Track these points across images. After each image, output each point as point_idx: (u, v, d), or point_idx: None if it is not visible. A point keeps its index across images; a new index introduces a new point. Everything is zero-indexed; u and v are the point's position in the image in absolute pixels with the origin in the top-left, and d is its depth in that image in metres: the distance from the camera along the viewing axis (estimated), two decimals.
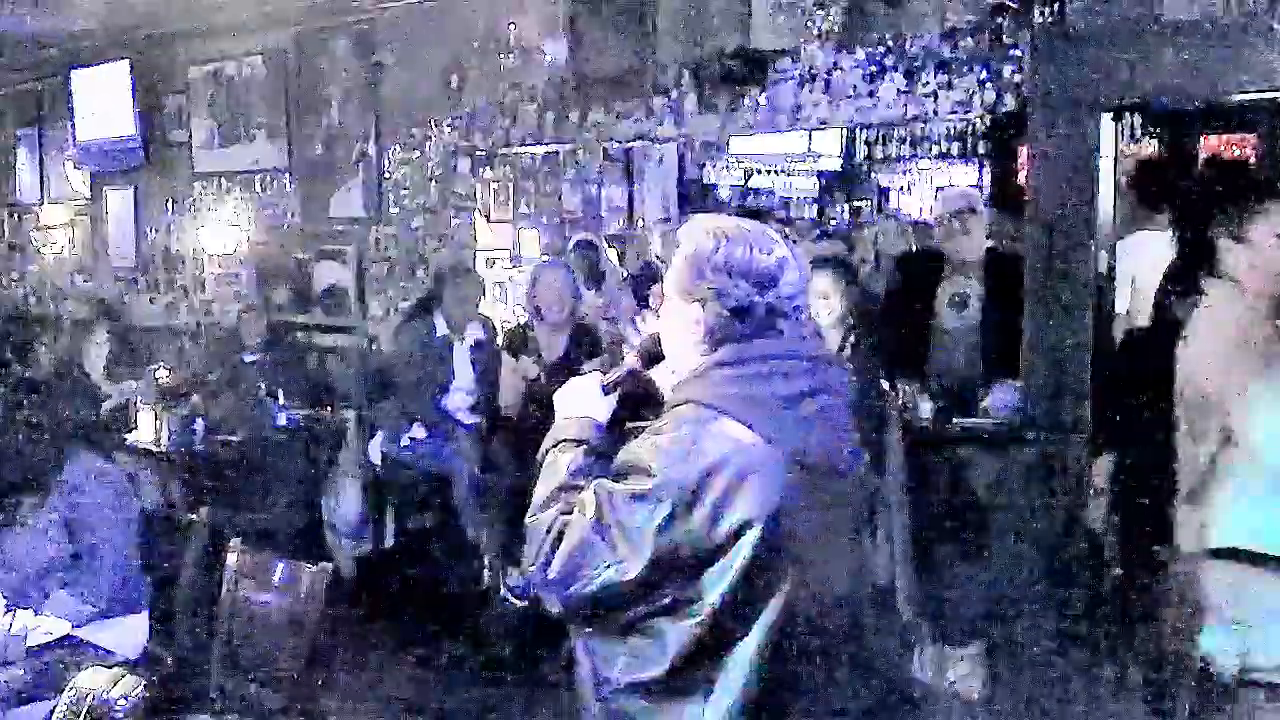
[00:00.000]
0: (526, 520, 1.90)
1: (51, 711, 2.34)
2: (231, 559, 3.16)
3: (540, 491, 1.92)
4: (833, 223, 8.70)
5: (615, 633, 1.85)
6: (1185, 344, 2.94)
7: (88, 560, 3.28)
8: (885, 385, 4.27)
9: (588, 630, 1.92)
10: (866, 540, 2.06)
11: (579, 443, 1.96)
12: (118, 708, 2.22)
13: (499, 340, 5.52)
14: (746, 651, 1.79)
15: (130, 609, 3.40)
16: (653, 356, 2.04)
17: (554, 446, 1.98)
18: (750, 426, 1.77)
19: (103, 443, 3.59)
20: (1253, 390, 2.72)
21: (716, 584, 1.76)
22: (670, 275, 1.95)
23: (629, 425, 1.98)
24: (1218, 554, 2.79)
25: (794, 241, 2.01)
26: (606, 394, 2.04)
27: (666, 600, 1.78)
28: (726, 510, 1.74)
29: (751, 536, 1.74)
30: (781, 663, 1.81)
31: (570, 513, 1.84)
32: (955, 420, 4.20)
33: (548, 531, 1.84)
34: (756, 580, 1.76)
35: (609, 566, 1.77)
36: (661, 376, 2.02)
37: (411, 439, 5.22)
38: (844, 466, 1.90)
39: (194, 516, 3.65)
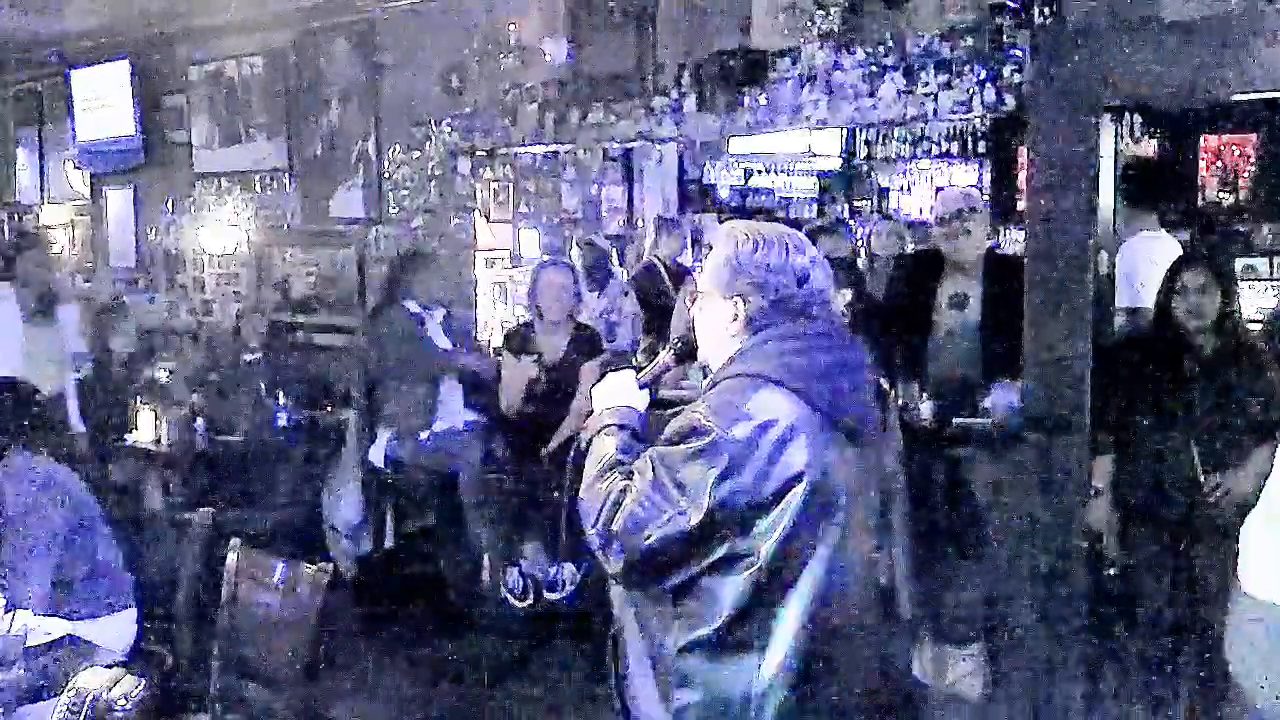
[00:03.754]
0: (581, 494, 2.02)
1: (52, 711, 2.34)
2: (231, 559, 3.16)
3: (590, 470, 2.04)
4: (841, 223, 8.70)
5: (668, 599, 1.95)
6: None
7: (11, 561, 3.21)
8: (885, 385, 4.28)
9: (641, 599, 2.01)
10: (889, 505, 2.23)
11: (622, 428, 2.10)
12: (118, 708, 2.22)
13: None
14: (797, 606, 1.92)
15: (113, 608, 3.37)
16: (686, 354, 2.19)
17: (598, 433, 2.12)
18: (795, 392, 1.92)
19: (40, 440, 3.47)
20: None
21: (767, 536, 1.89)
22: (708, 274, 2.09)
23: (669, 411, 2.09)
24: None
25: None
26: (643, 389, 2.18)
27: (721, 553, 1.89)
28: (778, 464, 1.88)
29: (800, 490, 1.89)
30: (827, 618, 1.94)
31: (629, 479, 1.95)
32: (955, 420, 4.20)
33: (606, 496, 1.95)
34: (804, 533, 1.91)
35: (669, 519, 1.88)
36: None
37: (432, 434, 5.14)
38: (873, 434, 2.09)
39: (194, 516, 3.64)
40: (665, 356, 2.24)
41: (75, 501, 3.33)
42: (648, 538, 1.89)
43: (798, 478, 1.89)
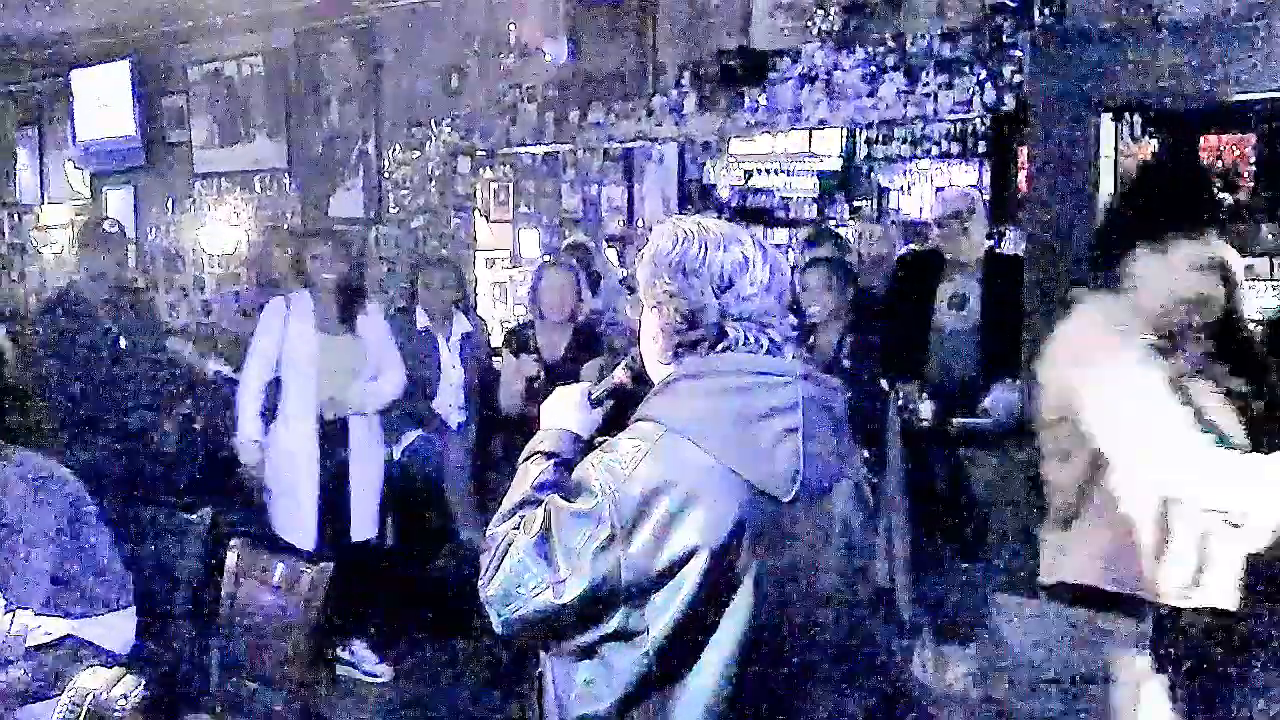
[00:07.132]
0: (489, 528, 1.80)
1: (52, 712, 2.34)
2: (231, 559, 3.16)
3: (506, 504, 1.81)
4: (831, 222, 8.70)
5: (570, 658, 1.74)
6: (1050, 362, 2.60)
7: (9, 559, 3.19)
8: (884, 385, 4.28)
9: (548, 652, 1.82)
10: (859, 556, 1.88)
11: (552, 455, 1.85)
12: (118, 708, 2.22)
13: (489, 334, 5.49)
14: (701, 686, 1.66)
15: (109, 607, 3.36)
16: (641, 370, 1.91)
17: (529, 458, 1.87)
18: (703, 447, 1.64)
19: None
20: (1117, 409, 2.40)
21: (662, 614, 1.63)
22: (638, 281, 1.83)
23: (597, 440, 1.84)
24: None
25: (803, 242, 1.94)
26: (594, 407, 1.93)
27: (612, 629, 1.66)
28: (669, 536, 1.61)
29: (698, 564, 1.61)
30: (747, 697, 1.68)
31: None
32: (955, 420, 4.20)
33: (499, 546, 1.73)
34: (708, 610, 1.64)
35: (546, 588, 1.64)
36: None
37: (409, 444, 5.16)
38: (819, 486, 1.73)
39: (194, 516, 3.64)
40: (620, 373, 1.92)
41: (71, 497, 3.32)
42: (522, 607, 1.67)
43: (695, 551, 1.60)
